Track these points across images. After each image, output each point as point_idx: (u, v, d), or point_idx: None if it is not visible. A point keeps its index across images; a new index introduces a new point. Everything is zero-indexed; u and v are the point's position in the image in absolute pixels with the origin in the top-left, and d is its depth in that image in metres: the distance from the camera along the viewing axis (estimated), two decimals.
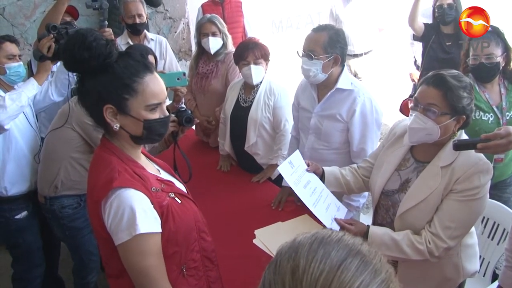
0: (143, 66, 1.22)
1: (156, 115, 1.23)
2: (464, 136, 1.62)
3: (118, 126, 1.21)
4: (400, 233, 1.60)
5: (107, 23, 2.75)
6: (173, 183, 1.37)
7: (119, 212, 1.15)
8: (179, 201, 1.31)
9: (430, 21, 3.39)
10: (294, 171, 1.80)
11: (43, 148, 2.24)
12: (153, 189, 1.23)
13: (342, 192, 1.99)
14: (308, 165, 1.86)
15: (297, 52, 2.10)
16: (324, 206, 1.76)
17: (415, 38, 3.45)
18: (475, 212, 1.56)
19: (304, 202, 1.71)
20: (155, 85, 1.22)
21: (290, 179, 1.76)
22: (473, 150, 1.49)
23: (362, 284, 0.58)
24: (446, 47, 3.26)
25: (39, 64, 2.26)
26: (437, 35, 3.30)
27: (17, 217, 2.29)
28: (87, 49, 1.14)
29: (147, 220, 1.17)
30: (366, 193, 2.21)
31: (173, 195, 1.30)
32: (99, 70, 1.18)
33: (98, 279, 2.52)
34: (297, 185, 1.76)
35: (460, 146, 1.48)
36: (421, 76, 3.45)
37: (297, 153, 1.92)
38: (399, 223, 1.64)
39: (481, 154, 1.54)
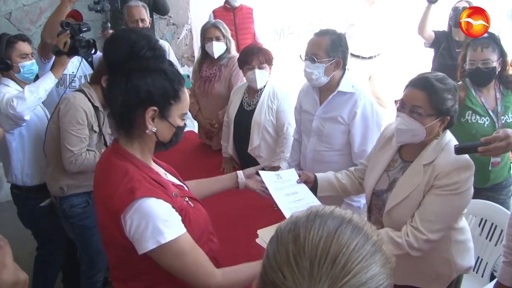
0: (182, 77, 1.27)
1: (183, 123, 1.28)
2: (450, 135, 1.65)
3: (155, 129, 1.21)
4: (380, 231, 1.62)
5: (109, 25, 2.80)
6: (183, 187, 1.38)
7: (142, 223, 1.14)
8: (192, 205, 1.32)
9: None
10: (280, 182, 1.80)
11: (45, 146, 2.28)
12: (173, 194, 1.25)
13: (338, 196, 2.01)
14: (299, 176, 1.85)
15: (300, 56, 2.15)
16: None
17: (426, 46, 3.50)
18: (455, 206, 1.59)
19: (279, 207, 1.71)
20: (187, 96, 1.28)
21: (270, 185, 1.76)
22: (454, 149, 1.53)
23: (358, 245, 0.63)
24: (455, 54, 3.25)
25: (56, 58, 2.33)
26: (447, 42, 3.34)
27: (41, 204, 2.34)
28: (152, 49, 1.16)
29: (172, 226, 1.18)
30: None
31: (187, 199, 1.31)
32: (151, 72, 1.18)
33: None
34: (278, 191, 1.75)
35: (461, 150, 1.52)
36: None
37: (292, 171, 1.91)
38: (386, 220, 1.68)
39: None
